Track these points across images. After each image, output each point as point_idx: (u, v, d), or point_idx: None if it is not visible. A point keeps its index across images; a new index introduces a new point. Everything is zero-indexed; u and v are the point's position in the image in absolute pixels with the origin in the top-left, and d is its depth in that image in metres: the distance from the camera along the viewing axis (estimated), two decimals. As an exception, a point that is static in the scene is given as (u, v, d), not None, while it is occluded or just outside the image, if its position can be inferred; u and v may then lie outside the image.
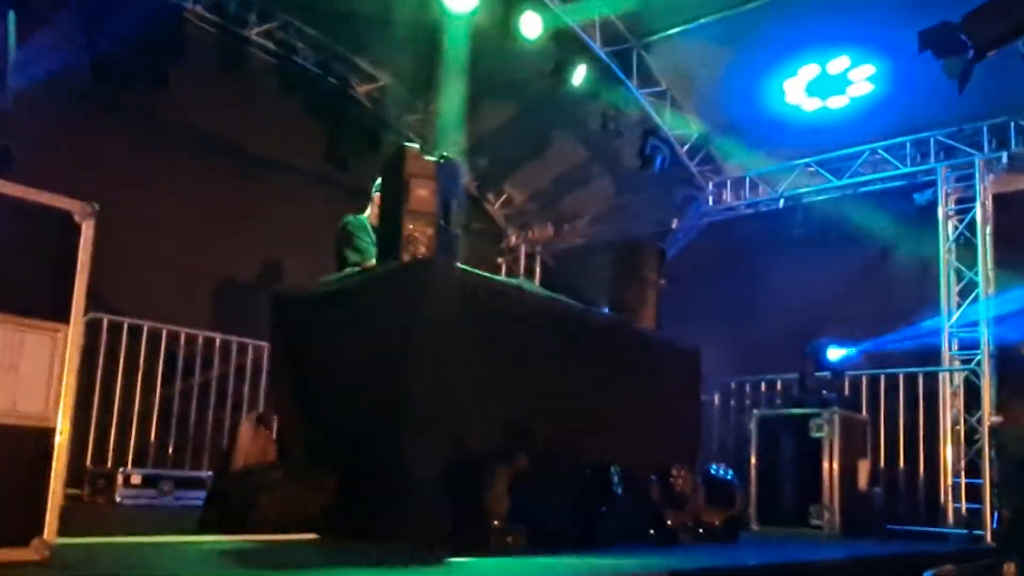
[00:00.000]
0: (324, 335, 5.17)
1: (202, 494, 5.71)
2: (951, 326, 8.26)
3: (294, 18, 8.89)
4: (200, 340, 7.66)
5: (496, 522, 3.98)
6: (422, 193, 6.10)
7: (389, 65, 9.65)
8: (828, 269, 8.88)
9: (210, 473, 6.82)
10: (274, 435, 5.35)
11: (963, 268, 8.34)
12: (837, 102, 8.76)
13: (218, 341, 7.76)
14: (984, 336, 8.04)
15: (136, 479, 6.83)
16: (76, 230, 2.54)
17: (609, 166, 10.42)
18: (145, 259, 7.71)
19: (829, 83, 8.73)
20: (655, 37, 8.80)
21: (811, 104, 8.87)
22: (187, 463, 7.39)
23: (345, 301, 5.10)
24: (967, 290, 8.28)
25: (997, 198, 8.44)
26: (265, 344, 7.25)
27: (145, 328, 7.30)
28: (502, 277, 7.63)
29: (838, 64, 8.58)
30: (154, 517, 5.73)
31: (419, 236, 5.95)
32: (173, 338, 7.49)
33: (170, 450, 7.36)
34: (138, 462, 7.06)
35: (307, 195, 8.74)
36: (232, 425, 6.59)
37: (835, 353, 7.92)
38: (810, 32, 8.06)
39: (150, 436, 7.25)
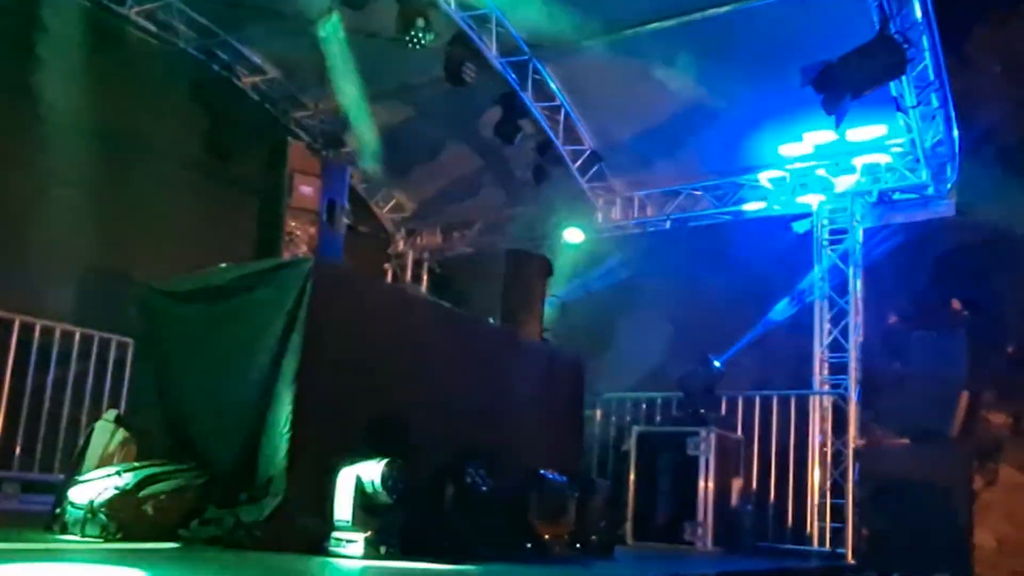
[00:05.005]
0: (193, 332, 4.89)
1: (51, 499, 5.30)
2: (823, 350, 8.54)
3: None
4: (58, 332, 7.13)
5: (368, 532, 3.82)
6: (306, 190, 5.89)
7: (277, 58, 9.32)
8: (710, 291, 9.03)
9: (61, 476, 6.34)
10: (135, 435, 5.03)
11: (835, 296, 8.65)
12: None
13: (78, 335, 7.25)
14: (852, 362, 8.35)
15: (-25, 481, 6.32)
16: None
17: (500, 176, 10.37)
18: (-1, 244, 7.19)
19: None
20: (552, 50, 8.79)
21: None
22: (35, 465, 6.85)
23: (218, 297, 4.84)
24: (838, 317, 8.58)
25: (867, 232, 8.82)
26: (130, 340, 6.84)
27: (-6, 317, 6.76)
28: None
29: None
30: (-6, 522, 5.26)
31: (300, 234, 5.73)
32: (27, 330, 6.95)
33: (17, 450, 6.81)
34: (-21, 463, 6.53)
35: (184, 185, 8.23)
36: (88, 424, 6.14)
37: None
38: (708, 54, 8.17)
39: (-6, 435, 6.71)
